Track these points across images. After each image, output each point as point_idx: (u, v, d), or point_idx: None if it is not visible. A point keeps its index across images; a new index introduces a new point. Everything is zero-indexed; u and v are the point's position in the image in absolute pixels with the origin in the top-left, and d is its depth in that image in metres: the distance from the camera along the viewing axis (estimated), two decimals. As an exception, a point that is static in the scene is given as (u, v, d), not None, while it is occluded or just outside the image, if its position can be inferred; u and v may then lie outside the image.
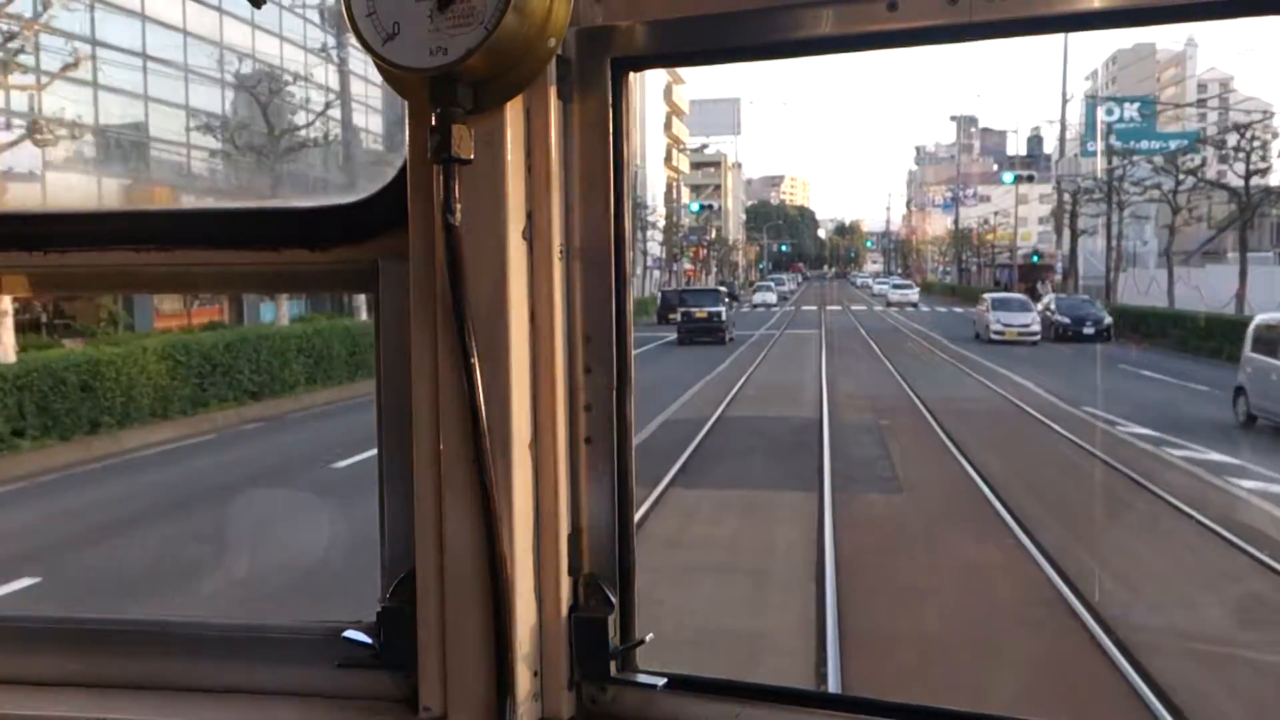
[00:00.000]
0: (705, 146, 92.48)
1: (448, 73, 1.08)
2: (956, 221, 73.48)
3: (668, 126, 75.73)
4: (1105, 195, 38.09)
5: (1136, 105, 42.17)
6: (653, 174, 64.65)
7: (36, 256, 1.35)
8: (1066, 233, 44.01)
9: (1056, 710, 5.36)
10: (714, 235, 78.94)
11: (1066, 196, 43.34)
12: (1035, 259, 52.59)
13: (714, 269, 76.86)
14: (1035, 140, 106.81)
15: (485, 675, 1.18)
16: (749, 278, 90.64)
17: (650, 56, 1.24)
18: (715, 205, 79.95)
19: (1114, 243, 38.33)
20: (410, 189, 1.19)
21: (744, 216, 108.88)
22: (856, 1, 1.14)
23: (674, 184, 69.93)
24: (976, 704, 5.07)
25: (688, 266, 67.58)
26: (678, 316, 31.02)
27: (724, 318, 29.83)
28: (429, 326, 1.18)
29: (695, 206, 74.57)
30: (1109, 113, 42.20)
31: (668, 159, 74.69)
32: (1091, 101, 44.78)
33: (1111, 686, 6.13)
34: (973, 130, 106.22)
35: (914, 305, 46.78)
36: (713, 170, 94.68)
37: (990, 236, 64.94)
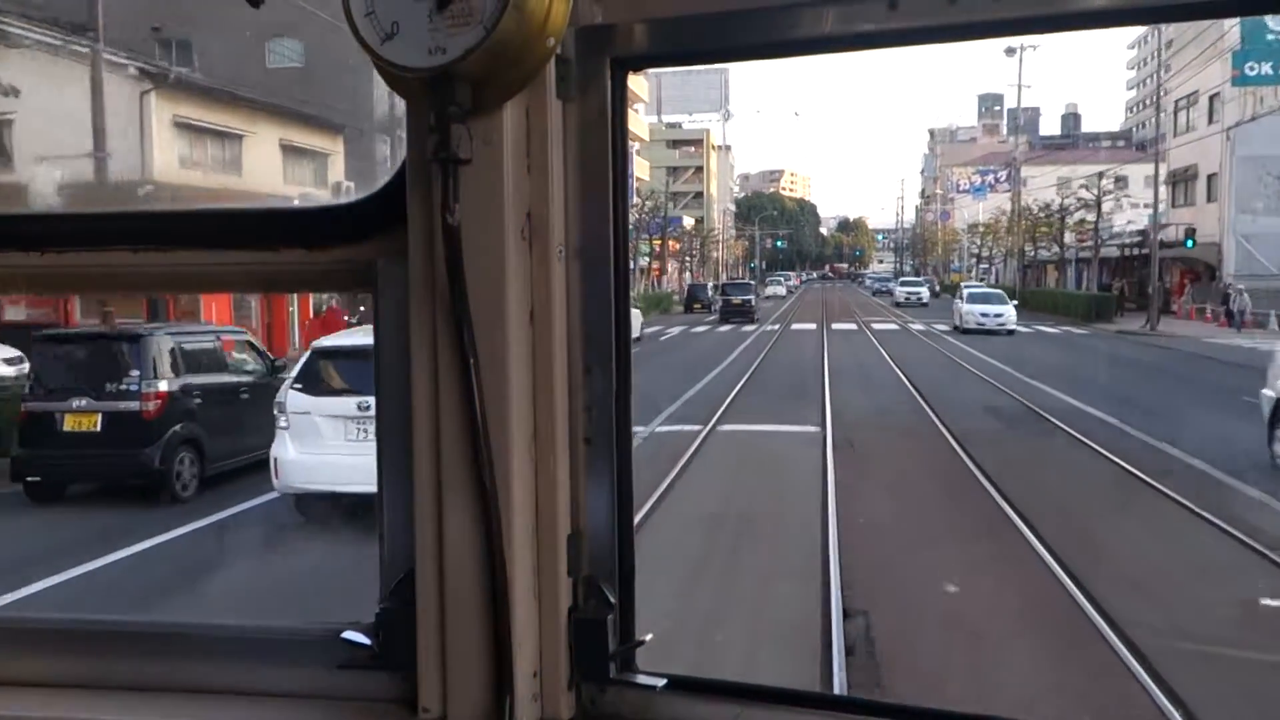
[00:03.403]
0: (679, 124, 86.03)
1: (447, 72, 1.16)
2: (1016, 200, 55.13)
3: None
4: None
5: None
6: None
7: (34, 257, 1.42)
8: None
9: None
10: (693, 225, 72.70)
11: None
12: (1190, 244, 34.86)
13: (688, 266, 69.03)
14: (1070, 118, 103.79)
15: (485, 676, 1.25)
16: (733, 277, 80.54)
17: (650, 55, 1.32)
18: (638, 147, 64.21)
19: None
20: (409, 189, 1.27)
21: (733, 207, 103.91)
22: (857, 1, 1.19)
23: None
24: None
25: (642, 263, 55.15)
26: (719, 302, 45.07)
27: (753, 303, 43.78)
28: (428, 327, 1.25)
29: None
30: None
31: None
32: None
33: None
34: (996, 109, 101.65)
35: None
36: (693, 150, 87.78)
37: (1076, 216, 44.17)
